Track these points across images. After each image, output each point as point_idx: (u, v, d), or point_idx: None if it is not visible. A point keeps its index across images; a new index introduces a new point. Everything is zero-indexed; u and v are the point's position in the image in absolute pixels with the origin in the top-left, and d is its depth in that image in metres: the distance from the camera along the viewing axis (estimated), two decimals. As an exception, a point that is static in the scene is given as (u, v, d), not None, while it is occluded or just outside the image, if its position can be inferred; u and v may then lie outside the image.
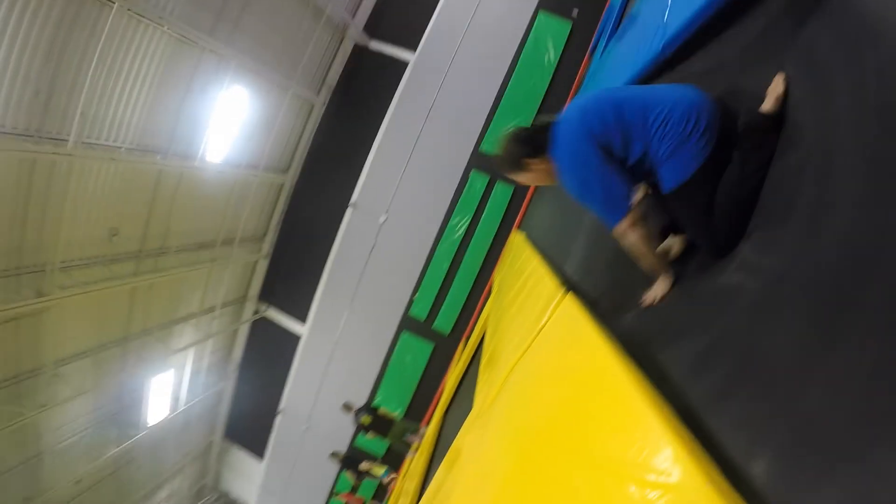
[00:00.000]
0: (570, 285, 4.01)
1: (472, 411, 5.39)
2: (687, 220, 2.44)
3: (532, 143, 2.71)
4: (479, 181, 12.22)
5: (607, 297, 3.58)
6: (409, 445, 10.51)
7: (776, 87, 2.24)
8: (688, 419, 1.86)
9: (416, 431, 10.63)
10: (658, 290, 2.63)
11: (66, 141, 7.37)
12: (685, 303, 2.51)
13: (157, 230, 10.08)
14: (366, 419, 10.19)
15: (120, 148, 8.33)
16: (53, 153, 7.21)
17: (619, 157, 2.47)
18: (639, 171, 2.49)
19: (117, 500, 12.61)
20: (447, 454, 5.61)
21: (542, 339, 3.55)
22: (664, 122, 2.37)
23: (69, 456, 10.09)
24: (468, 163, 12.29)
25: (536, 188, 10.90)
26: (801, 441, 1.41)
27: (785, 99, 2.24)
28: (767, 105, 2.25)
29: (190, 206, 10.66)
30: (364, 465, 11.85)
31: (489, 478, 3.27)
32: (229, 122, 10.59)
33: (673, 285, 2.59)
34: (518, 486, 2.67)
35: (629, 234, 2.43)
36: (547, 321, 3.60)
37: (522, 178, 2.87)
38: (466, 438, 4.97)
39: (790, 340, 1.66)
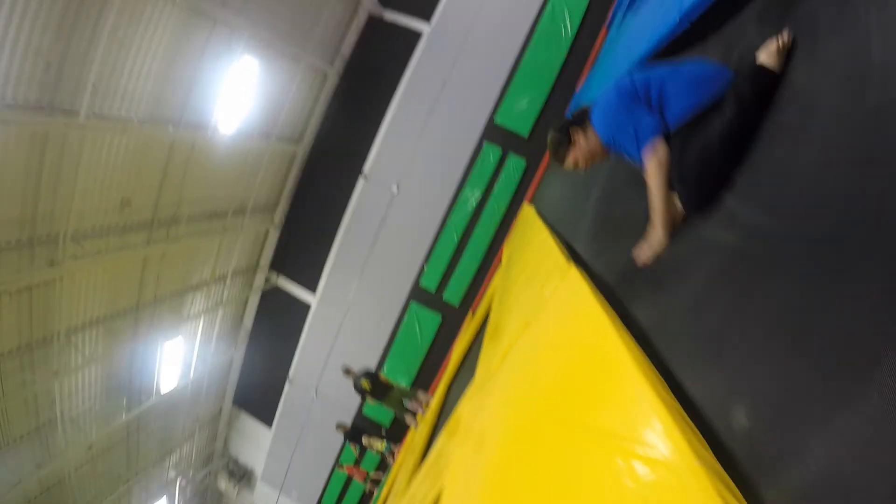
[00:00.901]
0: (576, 259, 4.07)
1: (473, 381, 5.44)
2: (673, 165, 2.53)
3: (573, 120, 3.00)
4: (491, 153, 12.15)
5: (610, 265, 3.61)
6: (409, 412, 10.59)
7: (775, 41, 2.28)
8: (678, 383, 1.95)
9: (414, 397, 10.71)
10: (651, 246, 2.67)
11: (79, 113, 7.36)
12: (675, 256, 2.61)
13: (170, 200, 10.10)
14: (365, 383, 10.27)
15: (132, 119, 8.31)
16: (65, 125, 7.22)
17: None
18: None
19: (129, 465, 12.86)
20: (448, 423, 5.66)
21: (546, 312, 3.59)
22: (675, 77, 2.61)
23: (82, 423, 10.25)
24: (481, 135, 12.22)
25: (548, 164, 10.83)
26: (787, 405, 1.43)
27: (787, 57, 2.27)
28: (762, 57, 2.30)
29: (202, 176, 10.67)
30: (365, 440, 11.99)
31: (487, 446, 3.34)
32: (242, 93, 10.54)
33: (667, 245, 2.64)
34: (513, 455, 2.76)
35: (657, 169, 2.54)
36: (551, 294, 3.64)
37: (572, 155, 3.11)
38: (466, 408, 5.06)
39: (774, 295, 1.70)
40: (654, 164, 2.52)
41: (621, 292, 3.07)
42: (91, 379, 10.05)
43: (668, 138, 2.55)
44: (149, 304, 10.86)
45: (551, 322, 3.37)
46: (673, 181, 2.52)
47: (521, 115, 11.81)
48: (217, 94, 9.89)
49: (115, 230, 9.09)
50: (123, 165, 8.61)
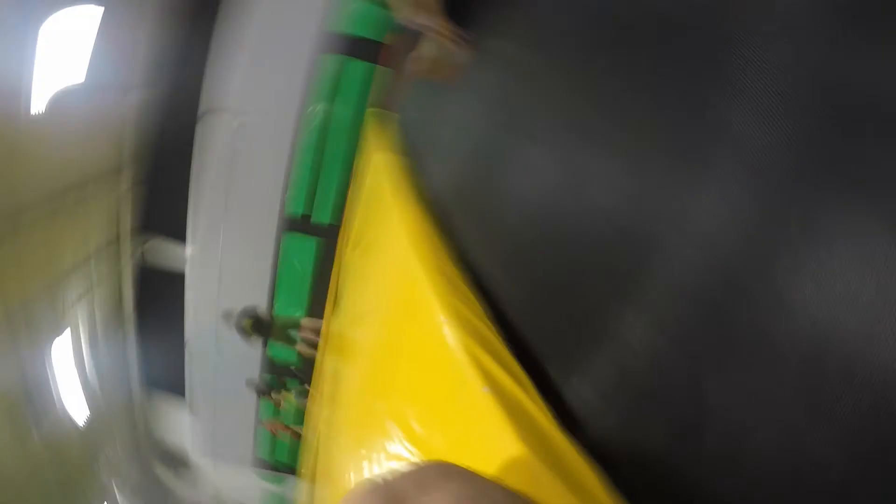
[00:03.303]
0: (412, 158, 4.44)
1: (347, 297, 5.74)
2: None
3: None
4: (337, 64, 11.72)
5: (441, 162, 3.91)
6: (302, 342, 10.30)
7: None
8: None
9: (300, 326, 10.43)
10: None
11: None
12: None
13: (8, 187, 8.81)
14: (246, 324, 9.89)
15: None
16: None
17: None
18: None
19: (60, 485, 12.02)
20: (334, 344, 6.08)
21: (385, 211, 3.86)
22: None
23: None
24: (326, 46, 11.64)
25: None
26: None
27: None
28: None
29: (37, 151, 9.38)
30: (274, 395, 11.77)
31: (358, 357, 3.74)
32: (67, 48, 9.23)
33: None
34: (376, 359, 3.22)
35: None
36: (391, 195, 3.86)
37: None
38: (345, 324, 5.38)
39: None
40: None
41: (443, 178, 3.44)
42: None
43: None
44: (19, 308, 9.79)
45: (385, 219, 3.69)
46: None
47: (369, 19, 11.29)
48: (37, 54, 8.53)
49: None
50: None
